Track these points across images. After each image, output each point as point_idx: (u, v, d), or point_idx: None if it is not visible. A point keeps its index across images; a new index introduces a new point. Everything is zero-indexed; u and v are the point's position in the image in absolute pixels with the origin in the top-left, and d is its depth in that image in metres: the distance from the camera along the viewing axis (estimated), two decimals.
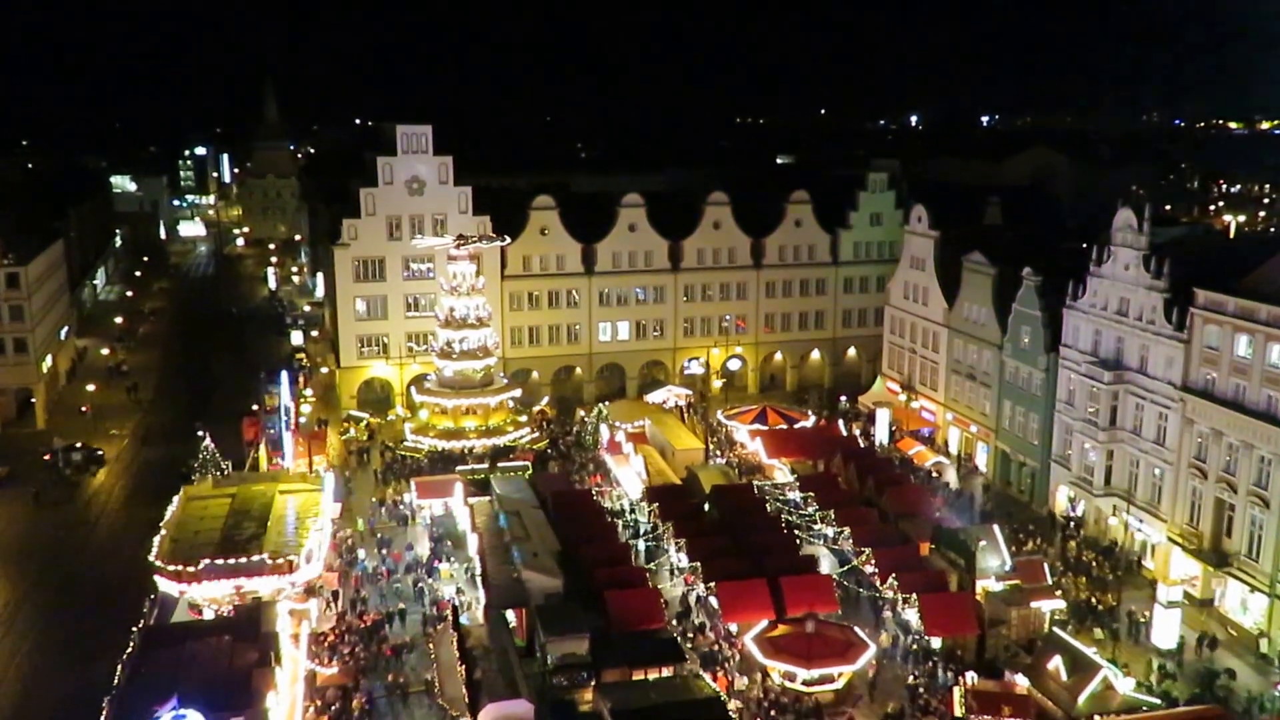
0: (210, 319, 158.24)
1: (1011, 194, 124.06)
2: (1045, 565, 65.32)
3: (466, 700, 50.28)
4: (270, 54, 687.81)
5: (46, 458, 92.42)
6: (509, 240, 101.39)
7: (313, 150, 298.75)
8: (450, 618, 57.60)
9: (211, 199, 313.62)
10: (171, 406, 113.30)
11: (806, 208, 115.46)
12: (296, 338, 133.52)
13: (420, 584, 68.49)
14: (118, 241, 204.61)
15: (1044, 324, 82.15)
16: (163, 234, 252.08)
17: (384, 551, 72.74)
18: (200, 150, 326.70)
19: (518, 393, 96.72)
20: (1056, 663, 53.82)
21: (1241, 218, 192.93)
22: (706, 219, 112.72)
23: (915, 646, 60.70)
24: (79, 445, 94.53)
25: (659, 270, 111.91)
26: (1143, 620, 64.01)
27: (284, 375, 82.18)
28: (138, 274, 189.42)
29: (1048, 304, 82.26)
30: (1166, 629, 61.87)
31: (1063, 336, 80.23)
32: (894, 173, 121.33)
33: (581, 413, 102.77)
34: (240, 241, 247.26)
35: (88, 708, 51.69)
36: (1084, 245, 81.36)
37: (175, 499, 66.97)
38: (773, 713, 54.11)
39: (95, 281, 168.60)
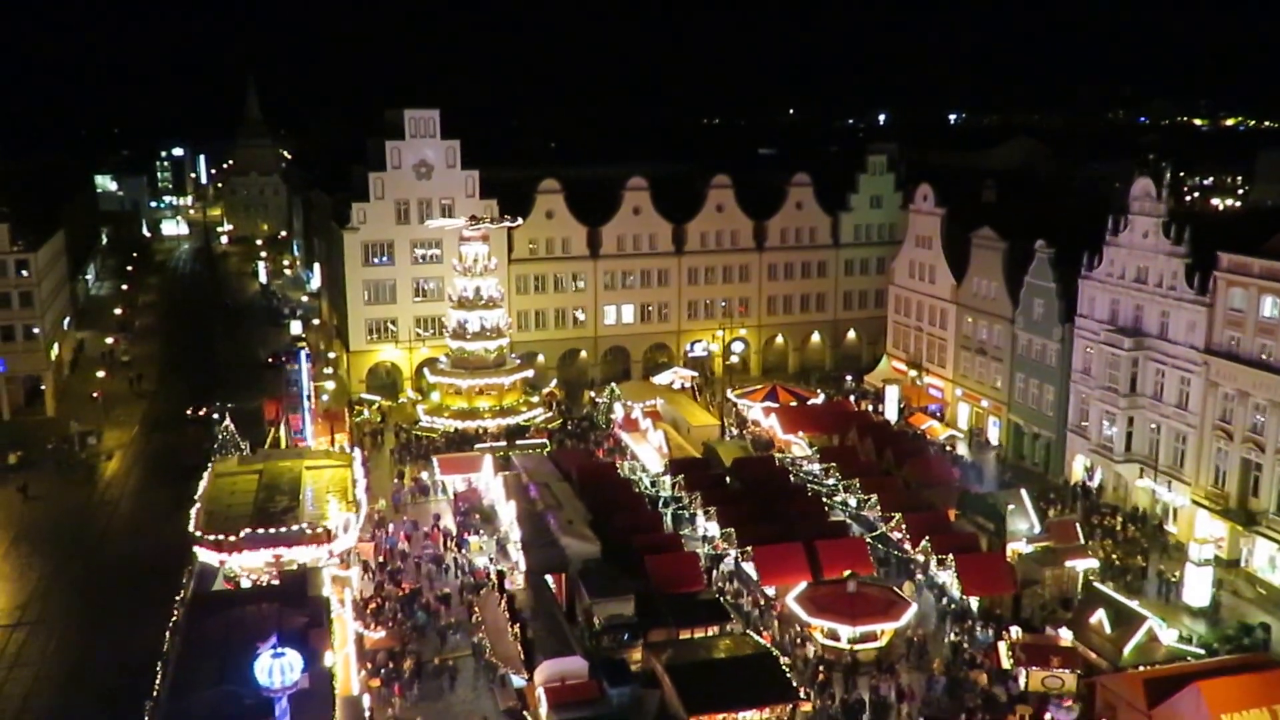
0: (204, 312, 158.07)
1: (1003, 178, 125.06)
2: (1077, 525, 65.98)
3: (522, 658, 50.48)
4: (246, 56, 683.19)
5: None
6: (520, 221, 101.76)
7: (287, 155, 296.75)
8: (495, 581, 57.86)
9: (189, 200, 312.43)
10: (175, 395, 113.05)
11: (808, 190, 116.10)
12: (296, 327, 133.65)
13: (450, 556, 68.75)
14: (103, 240, 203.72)
15: (1058, 295, 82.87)
16: (145, 233, 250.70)
17: (424, 530, 72.79)
18: (177, 151, 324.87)
19: (530, 373, 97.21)
20: (1099, 616, 54.44)
21: (1229, 201, 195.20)
22: (710, 202, 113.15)
23: (953, 606, 61.13)
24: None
25: (663, 253, 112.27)
26: (1173, 580, 64.73)
27: (303, 356, 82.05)
28: (129, 269, 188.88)
29: (1061, 275, 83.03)
30: (1199, 587, 62.49)
31: (1078, 307, 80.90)
32: (892, 155, 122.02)
33: (591, 393, 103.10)
34: (224, 239, 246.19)
35: (132, 675, 52.25)
36: (1091, 219, 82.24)
37: (205, 475, 67.24)
38: (820, 668, 54.51)
39: (87, 277, 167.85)
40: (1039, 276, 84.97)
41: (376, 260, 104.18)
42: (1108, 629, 53.83)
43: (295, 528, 58.78)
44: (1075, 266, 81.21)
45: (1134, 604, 55.88)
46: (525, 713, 48.95)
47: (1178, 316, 71.93)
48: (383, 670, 54.02)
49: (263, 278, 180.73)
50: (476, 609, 58.47)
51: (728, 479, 75.77)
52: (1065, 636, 54.87)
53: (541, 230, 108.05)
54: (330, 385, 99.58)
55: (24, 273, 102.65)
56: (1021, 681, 52.03)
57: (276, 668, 33.77)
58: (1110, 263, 77.88)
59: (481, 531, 71.99)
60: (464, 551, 69.23)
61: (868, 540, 65.56)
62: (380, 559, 67.46)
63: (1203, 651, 53.96)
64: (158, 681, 46.31)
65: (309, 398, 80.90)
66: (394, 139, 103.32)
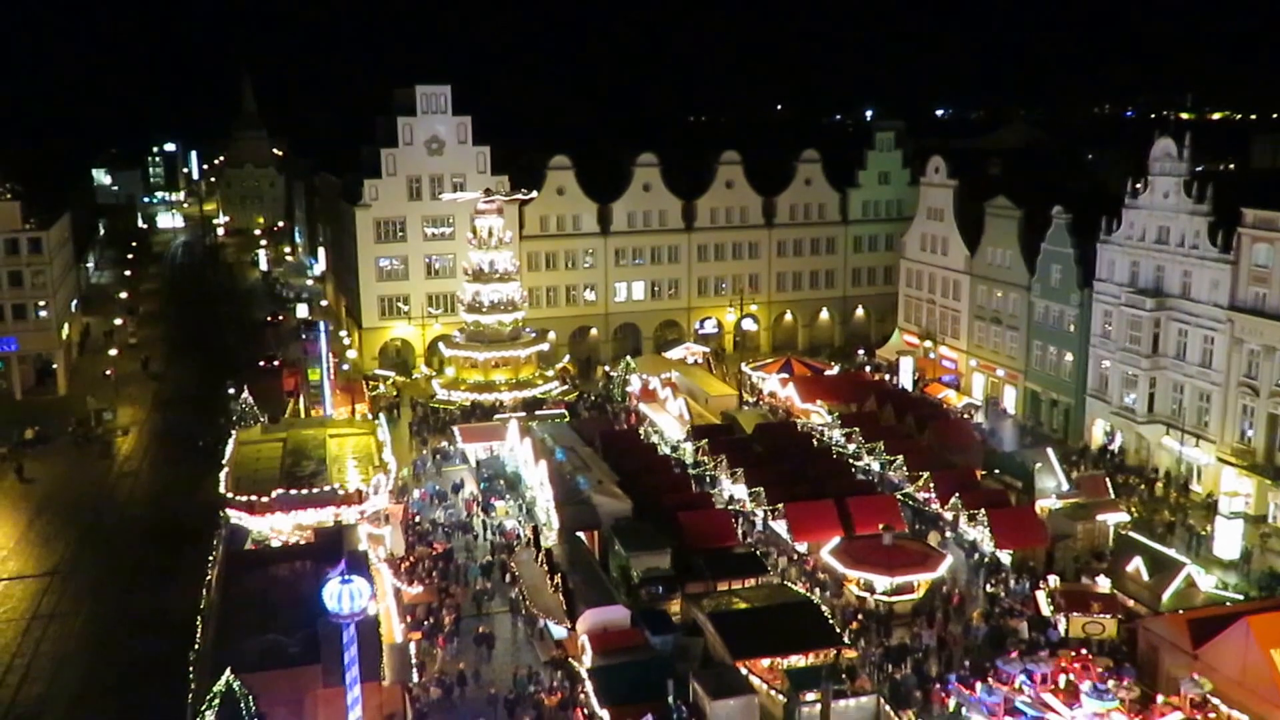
0: (206, 298, 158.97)
1: (1008, 156, 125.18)
2: (1107, 480, 66.01)
3: (564, 608, 50.41)
4: (239, 51, 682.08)
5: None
6: (535, 193, 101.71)
7: (278, 152, 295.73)
8: (531, 536, 57.81)
9: (181, 195, 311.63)
10: (184, 376, 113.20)
11: (816, 166, 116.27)
12: (302, 310, 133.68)
13: (478, 521, 68.76)
14: (101, 231, 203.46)
15: (1076, 260, 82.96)
16: (141, 225, 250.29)
17: (460, 494, 72.90)
18: (169, 146, 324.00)
19: (545, 346, 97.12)
20: (1136, 564, 54.45)
21: None
22: (719, 178, 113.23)
23: (985, 561, 61.11)
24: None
25: (673, 230, 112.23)
26: (1203, 534, 64.79)
27: (322, 327, 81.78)
28: (129, 257, 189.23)
29: (1078, 241, 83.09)
30: (1229, 540, 62.46)
31: (1096, 271, 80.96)
32: (900, 132, 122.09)
33: (605, 368, 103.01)
34: (220, 231, 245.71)
35: (168, 632, 52.65)
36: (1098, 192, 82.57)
37: (230, 442, 67.13)
38: (859, 616, 54.51)
39: (88, 265, 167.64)
40: (1056, 242, 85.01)
41: (388, 238, 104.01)
42: (1145, 576, 53.86)
43: (327, 489, 58.76)
44: (1090, 233, 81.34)
45: (1170, 551, 55.93)
46: (570, 660, 48.84)
47: (1200, 275, 71.98)
48: (423, 624, 53.94)
49: (264, 265, 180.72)
50: (512, 565, 58.43)
51: (751, 444, 75.65)
52: (1103, 585, 54.85)
53: (552, 207, 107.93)
54: (351, 354, 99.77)
55: (37, 252, 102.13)
56: (1061, 628, 52.01)
57: (345, 593, 33.66)
58: (1130, 225, 77.92)
59: (507, 497, 71.92)
60: (491, 515, 69.13)
61: (898, 498, 65.56)
62: (415, 519, 67.47)
63: (1241, 598, 54.06)
64: (199, 634, 46.31)
65: (329, 368, 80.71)
66: (405, 115, 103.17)
